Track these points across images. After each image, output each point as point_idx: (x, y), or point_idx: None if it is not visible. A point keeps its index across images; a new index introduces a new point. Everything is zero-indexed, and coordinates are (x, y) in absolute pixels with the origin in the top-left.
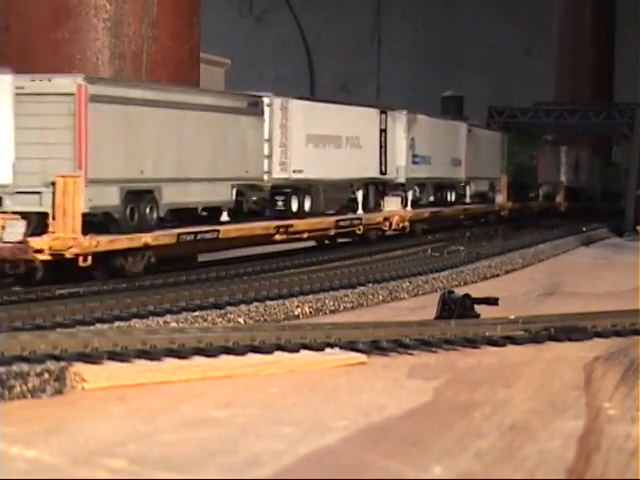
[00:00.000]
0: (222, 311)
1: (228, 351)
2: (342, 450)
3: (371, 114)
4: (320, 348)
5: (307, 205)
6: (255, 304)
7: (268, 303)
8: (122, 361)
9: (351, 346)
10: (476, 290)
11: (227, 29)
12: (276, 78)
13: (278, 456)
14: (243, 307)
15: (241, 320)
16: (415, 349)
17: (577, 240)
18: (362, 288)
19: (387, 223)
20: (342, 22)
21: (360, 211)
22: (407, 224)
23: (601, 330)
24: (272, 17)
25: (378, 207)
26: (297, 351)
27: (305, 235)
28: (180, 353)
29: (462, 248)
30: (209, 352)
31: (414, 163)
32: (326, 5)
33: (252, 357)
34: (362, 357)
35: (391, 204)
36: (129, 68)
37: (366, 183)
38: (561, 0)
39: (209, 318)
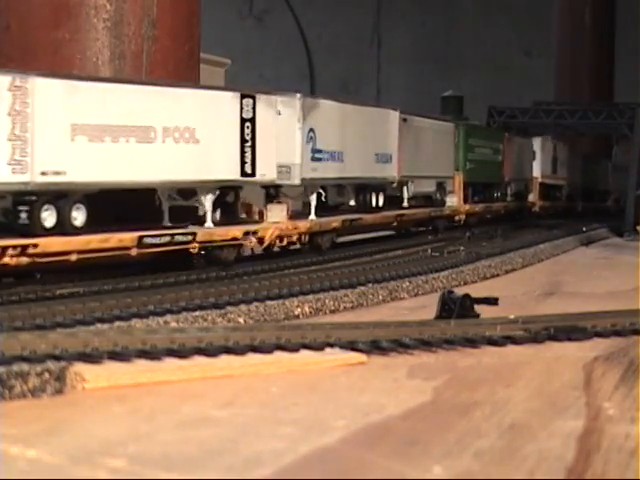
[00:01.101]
0: (222, 311)
1: (228, 351)
2: (342, 450)
3: (219, 99)
4: (320, 348)
5: (80, 219)
6: (255, 304)
7: (268, 303)
8: (122, 361)
9: (351, 346)
10: (476, 290)
11: (227, 29)
12: (276, 78)
13: (278, 456)
14: (243, 307)
15: (241, 320)
16: (415, 349)
17: (577, 240)
18: (362, 288)
19: (252, 239)
20: (342, 22)
21: (209, 223)
22: (298, 237)
23: (601, 330)
24: (272, 17)
25: (261, 217)
26: (297, 351)
27: (73, 258)
28: (180, 353)
29: (462, 248)
30: (209, 352)
31: (315, 160)
32: (326, 5)
33: (252, 357)
34: (362, 357)
35: (275, 213)
36: (129, 68)
37: (222, 188)
38: (561, 0)
39: (209, 318)
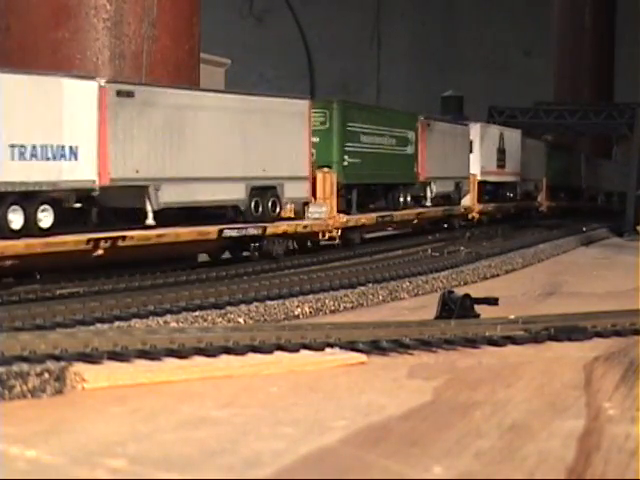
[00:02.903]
0: (222, 311)
1: (228, 351)
2: (342, 450)
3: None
4: (320, 348)
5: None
6: (255, 304)
7: (268, 303)
8: (122, 361)
9: (351, 346)
10: (476, 290)
11: (227, 29)
12: (276, 78)
13: (278, 456)
14: (243, 307)
15: (241, 320)
16: (415, 349)
17: (577, 240)
18: (362, 288)
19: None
20: (342, 22)
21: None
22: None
23: (601, 330)
24: (272, 17)
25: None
26: (297, 351)
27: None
28: (180, 353)
29: (462, 248)
30: (209, 352)
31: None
32: (326, 5)
33: (252, 357)
34: (362, 357)
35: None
36: (129, 68)
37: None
38: (561, 0)
39: (209, 318)
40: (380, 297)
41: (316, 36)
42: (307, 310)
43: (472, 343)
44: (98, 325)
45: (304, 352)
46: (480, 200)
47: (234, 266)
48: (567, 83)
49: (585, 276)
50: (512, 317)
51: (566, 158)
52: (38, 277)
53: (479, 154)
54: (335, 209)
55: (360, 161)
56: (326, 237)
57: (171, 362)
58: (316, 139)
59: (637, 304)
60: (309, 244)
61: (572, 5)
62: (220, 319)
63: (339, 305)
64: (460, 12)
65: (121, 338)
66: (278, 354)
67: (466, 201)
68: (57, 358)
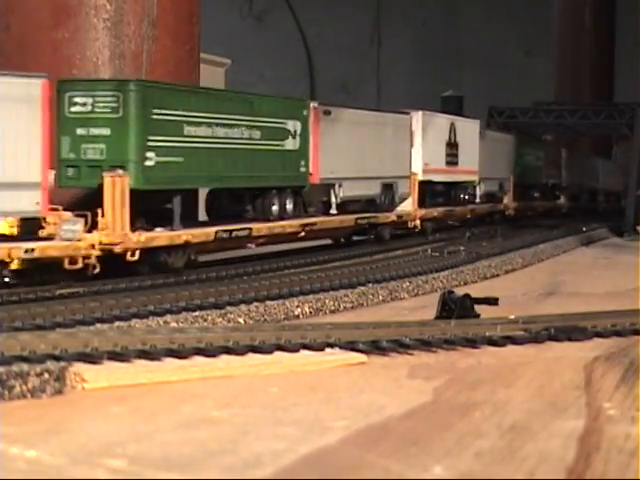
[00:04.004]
0: (222, 311)
1: (228, 351)
2: (342, 450)
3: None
4: (320, 348)
5: None
6: (255, 304)
7: (268, 303)
8: (122, 361)
9: (351, 346)
10: (476, 290)
11: (227, 29)
12: (276, 78)
13: (278, 456)
14: (243, 307)
15: (241, 320)
16: (415, 349)
17: (577, 240)
18: (362, 288)
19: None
20: (342, 22)
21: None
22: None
23: (601, 330)
24: (272, 17)
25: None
26: (297, 351)
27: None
28: (180, 353)
29: (462, 248)
30: (209, 352)
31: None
32: (326, 5)
33: (252, 357)
34: (362, 357)
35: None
36: (129, 68)
37: None
38: (561, 0)
39: (209, 318)
40: (380, 297)
41: (316, 36)
42: (307, 310)
43: (472, 343)
44: (98, 325)
45: (304, 352)
46: (423, 204)
47: (234, 266)
48: (567, 83)
49: (585, 276)
50: (512, 317)
51: (541, 153)
52: (38, 277)
53: (421, 148)
54: (127, 225)
55: (181, 160)
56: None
57: (171, 362)
58: (104, 131)
59: (637, 304)
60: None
61: (572, 5)
62: (220, 319)
63: (339, 305)
64: (460, 12)
65: (121, 338)
66: (278, 354)
67: (405, 206)
68: (57, 358)
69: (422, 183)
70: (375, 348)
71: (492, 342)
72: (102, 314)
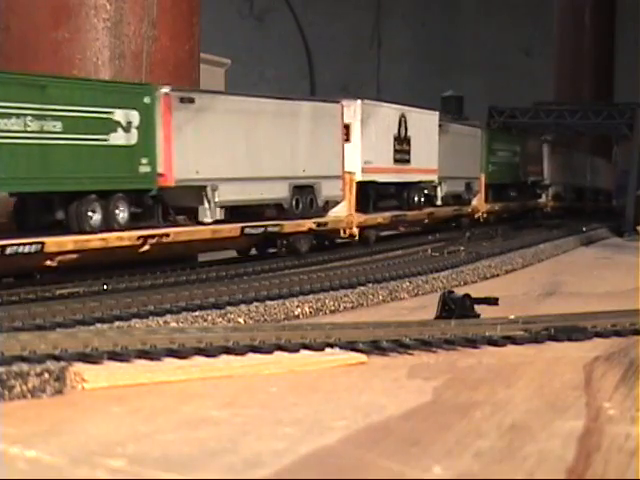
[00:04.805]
0: (222, 311)
1: (228, 351)
2: (342, 450)
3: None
4: (320, 348)
5: None
6: (255, 304)
7: (268, 303)
8: (122, 361)
9: (351, 346)
10: (476, 290)
11: (227, 29)
12: (276, 78)
13: (278, 456)
14: (243, 307)
15: (241, 320)
16: (415, 349)
17: (577, 240)
18: (362, 288)
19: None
20: (342, 22)
21: None
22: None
23: (601, 330)
24: (272, 17)
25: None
26: (297, 351)
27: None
28: (180, 353)
29: (462, 248)
30: (209, 352)
31: None
32: (326, 5)
33: (252, 357)
34: (362, 357)
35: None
36: (129, 68)
37: None
38: (561, 0)
39: (209, 318)
40: (380, 297)
41: (316, 36)
42: (307, 310)
43: (472, 343)
44: (98, 325)
45: (304, 352)
46: (366, 209)
47: (234, 266)
48: (567, 83)
49: (585, 276)
50: (512, 317)
51: (518, 148)
52: (38, 277)
53: (360, 144)
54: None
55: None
56: None
57: (171, 362)
58: None
59: (637, 304)
60: None
61: (572, 5)
62: (220, 319)
63: (339, 305)
64: (460, 12)
65: (121, 338)
66: (278, 354)
67: (338, 211)
68: (57, 358)
69: (363, 184)
70: (375, 348)
71: (492, 342)
72: (102, 314)
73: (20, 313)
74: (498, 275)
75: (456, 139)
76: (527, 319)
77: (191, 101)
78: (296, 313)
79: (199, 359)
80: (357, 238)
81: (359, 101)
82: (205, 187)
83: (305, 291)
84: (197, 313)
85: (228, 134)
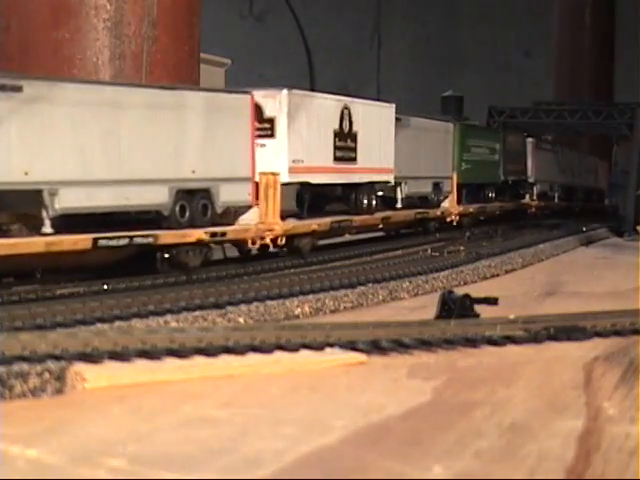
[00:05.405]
0: (222, 311)
1: (228, 351)
2: (342, 450)
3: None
4: (320, 348)
5: None
6: (255, 304)
7: (268, 303)
8: (122, 361)
9: (351, 346)
10: (476, 290)
11: (227, 29)
12: (276, 78)
13: (278, 456)
14: (243, 307)
15: (241, 320)
16: (415, 349)
17: (577, 240)
18: (362, 288)
19: None
20: (342, 22)
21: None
22: None
23: (601, 330)
24: (272, 17)
25: None
26: (297, 351)
27: None
28: (180, 353)
29: (462, 248)
30: (209, 352)
31: None
32: (326, 5)
33: (252, 357)
34: (362, 357)
35: None
36: (129, 68)
37: None
38: (561, 0)
39: (209, 318)
40: (380, 297)
41: (316, 36)
42: (307, 310)
43: (472, 343)
44: (98, 325)
45: (304, 352)
46: (300, 214)
47: (234, 266)
48: (567, 83)
49: (585, 276)
50: (512, 317)
51: (497, 145)
52: (38, 276)
53: (286, 140)
54: None
55: None
56: None
57: (171, 362)
58: None
59: (637, 304)
60: None
61: (572, 5)
62: (220, 319)
63: (339, 305)
64: (460, 12)
65: (121, 338)
66: (278, 354)
67: (249, 219)
68: (57, 358)
69: (285, 185)
70: (375, 348)
71: (492, 342)
72: (102, 314)
73: (20, 313)
74: (498, 275)
75: (421, 135)
76: (527, 319)
77: (17, 89)
78: (296, 313)
79: (199, 359)
80: (281, 250)
81: (285, 91)
82: (41, 191)
83: (305, 291)
84: (197, 313)
85: (75, 129)
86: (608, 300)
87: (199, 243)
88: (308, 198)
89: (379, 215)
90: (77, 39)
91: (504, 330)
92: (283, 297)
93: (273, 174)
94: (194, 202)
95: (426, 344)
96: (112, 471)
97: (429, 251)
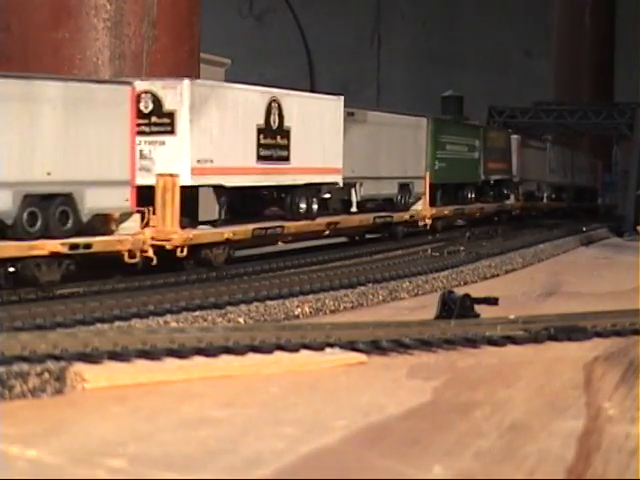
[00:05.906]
0: (222, 311)
1: (228, 351)
2: (342, 450)
3: None
4: (320, 348)
5: None
6: (255, 304)
7: (268, 303)
8: (122, 361)
9: (351, 346)
10: (476, 290)
11: (227, 29)
12: (276, 78)
13: (278, 456)
14: (243, 307)
15: (241, 320)
16: (415, 349)
17: (577, 240)
18: (362, 288)
19: None
20: (342, 22)
21: None
22: None
23: (601, 330)
24: (272, 17)
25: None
26: (297, 351)
27: None
28: (180, 353)
29: (462, 248)
30: (209, 352)
31: None
32: (326, 5)
33: (252, 357)
34: (362, 357)
35: None
36: (129, 68)
37: None
38: (561, 0)
39: (209, 318)
40: (380, 297)
41: (316, 36)
42: (307, 310)
43: (472, 343)
44: (98, 325)
45: (304, 352)
46: (216, 221)
47: (234, 266)
48: (567, 83)
49: (585, 276)
50: (512, 317)
51: (477, 142)
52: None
53: (188, 138)
54: None
55: None
56: None
57: (171, 362)
58: None
59: (637, 304)
60: None
61: (572, 5)
62: (220, 319)
63: (339, 305)
64: (460, 12)
65: (121, 338)
66: (278, 354)
67: (130, 228)
68: (57, 358)
69: (186, 189)
70: (375, 348)
71: (492, 342)
72: (102, 314)
73: (20, 313)
74: (498, 275)
75: (383, 131)
76: (527, 319)
77: None
78: (296, 313)
79: (199, 359)
80: (192, 260)
81: (186, 81)
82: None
83: (305, 291)
84: (197, 313)
85: None
86: (608, 300)
87: (56, 256)
88: (224, 202)
89: (323, 220)
90: (77, 39)
91: (504, 330)
92: (283, 297)
93: (171, 175)
94: (50, 209)
95: (426, 344)
96: (112, 471)
97: (429, 251)
